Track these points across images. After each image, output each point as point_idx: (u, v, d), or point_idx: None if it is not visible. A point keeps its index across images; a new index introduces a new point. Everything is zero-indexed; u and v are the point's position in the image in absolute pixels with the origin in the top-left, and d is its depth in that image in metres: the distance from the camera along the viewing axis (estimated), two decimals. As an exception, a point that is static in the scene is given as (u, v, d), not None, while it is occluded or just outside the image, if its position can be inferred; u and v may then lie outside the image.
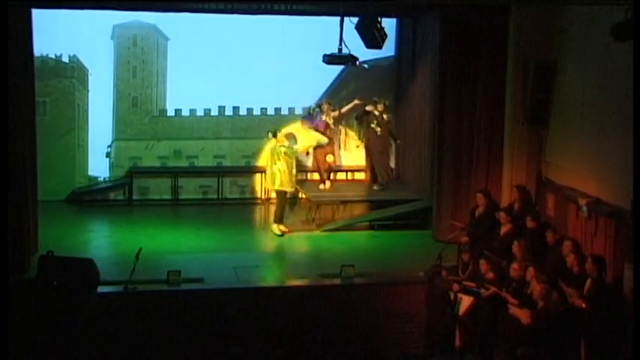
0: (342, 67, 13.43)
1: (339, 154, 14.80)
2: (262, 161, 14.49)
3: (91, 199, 14.57)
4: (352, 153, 15.12)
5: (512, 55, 12.06)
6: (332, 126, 14.14)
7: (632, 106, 8.82)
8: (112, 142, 14.80)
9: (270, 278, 11.31)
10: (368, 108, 14.05)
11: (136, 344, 9.71)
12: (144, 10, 13.41)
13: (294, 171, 12.74)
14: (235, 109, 15.08)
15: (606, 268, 9.18)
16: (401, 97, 14.90)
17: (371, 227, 13.32)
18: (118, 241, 12.46)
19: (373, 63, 14.37)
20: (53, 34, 13.55)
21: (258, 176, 14.78)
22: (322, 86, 14.93)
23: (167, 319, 9.99)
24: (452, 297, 9.77)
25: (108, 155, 14.79)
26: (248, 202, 14.91)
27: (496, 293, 9.35)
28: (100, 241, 12.57)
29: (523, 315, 8.83)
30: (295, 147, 13.05)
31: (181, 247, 12.09)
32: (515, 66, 11.99)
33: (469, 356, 8.82)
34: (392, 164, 14.95)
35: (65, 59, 14.42)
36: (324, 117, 14.08)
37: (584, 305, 8.68)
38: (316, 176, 14.48)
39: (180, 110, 14.98)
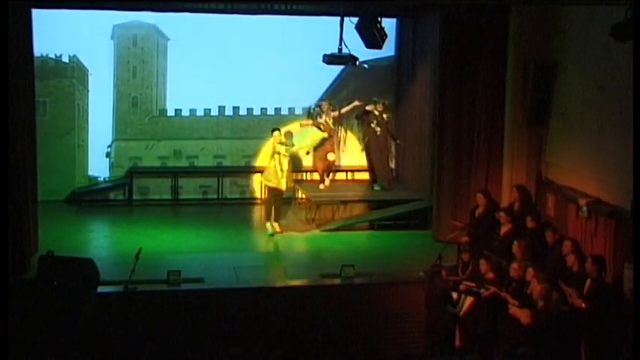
0: (342, 67, 13.42)
1: (339, 154, 14.79)
2: (262, 161, 14.48)
3: (91, 199, 14.57)
4: (352, 153, 15.11)
5: (512, 55, 12.06)
6: (332, 126, 14.13)
7: (632, 106, 8.82)
8: (112, 142, 14.80)
9: (270, 278, 11.32)
10: (368, 108, 14.06)
11: (136, 344, 9.71)
12: (144, 10, 13.40)
13: (285, 169, 12.71)
14: (235, 109, 15.08)
15: (606, 268, 9.19)
16: (401, 97, 14.91)
17: (371, 227, 13.32)
18: (118, 241, 12.46)
19: (373, 63, 14.36)
20: (53, 34, 13.55)
21: (258, 176, 14.78)
22: (322, 86, 14.93)
23: (167, 319, 9.99)
24: (454, 297, 9.77)
25: (108, 155, 14.79)
26: (248, 202, 14.91)
27: (496, 293, 9.35)
28: (100, 241, 12.58)
29: (523, 315, 8.83)
30: (291, 146, 13.00)
31: (181, 247, 12.09)
32: (515, 66, 11.98)
33: (469, 356, 8.83)
34: (392, 164, 14.96)
35: (65, 59, 14.42)
36: (324, 117, 14.08)
37: (584, 305, 8.69)
38: (316, 176, 14.47)
39: (180, 110, 14.98)
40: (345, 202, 13.75)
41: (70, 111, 14.51)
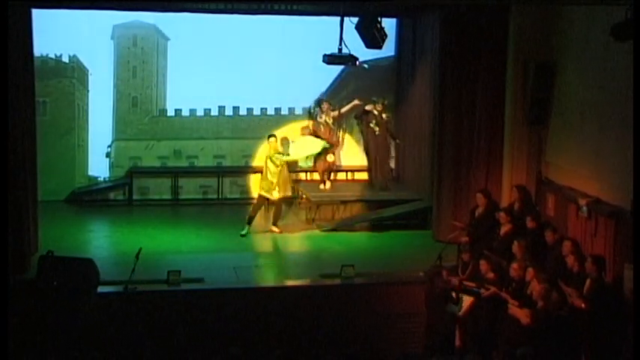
0: (342, 67, 13.42)
1: (339, 154, 14.79)
2: (259, 161, 14.45)
3: (91, 199, 14.57)
4: (352, 153, 15.12)
5: (512, 55, 12.06)
6: (331, 126, 14.13)
7: (632, 106, 8.82)
8: (112, 142, 14.81)
9: (270, 278, 11.32)
10: (367, 107, 14.06)
11: (136, 344, 9.71)
12: (144, 10, 13.42)
13: (276, 180, 12.68)
14: (235, 109, 15.08)
15: (606, 268, 9.19)
16: (401, 97, 14.90)
17: (371, 227, 13.31)
18: (118, 241, 12.46)
19: (373, 63, 14.36)
20: (53, 34, 13.55)
21: (258, 176, 14.75)
22: (322, 86, 14.92)
23: (167, 319, 9.99)
24: (454, 296, 9.77)
25: (108, 155, 14.79)
26: (248, 202, 14.87)
27: (496, 293, 9.35)
28: (100, 241, 12.58)
29: (523, 315, 8.83)
30: (286, 155, 12.87)
31: (181, 247, 12.09)
32: (515, 66, 11.99)
33: (469, 356, 8.84)
34: (392, 164, 14.96)
35: (65, 59, 14.42)
36: (324, 117, 14.08)
37: (583, 305, 8.69)
38: (316, 176, 14.47)
39: (180, 110, 14.98)
40: (345, 202, 13.75)
41: (70, 111, 14.51)
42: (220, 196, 14.98)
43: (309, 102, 14.80)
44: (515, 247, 9.85)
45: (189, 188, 14.97)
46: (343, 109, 14.28)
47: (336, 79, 14.97)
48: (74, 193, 14.52)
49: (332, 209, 13.70)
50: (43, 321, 9.06)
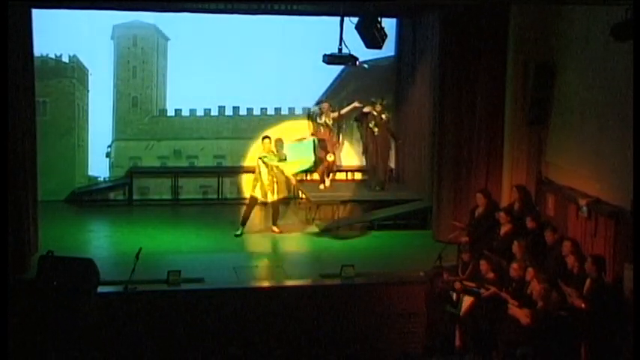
0: (342, 67, 13.42)
1: (339, 154, 14.79)
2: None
3: (91, 199, 14.57)
4: (352, 153, 15.12)
5: (512, 55, 12.06)
6: (331, 127, 14.12)
7: (632, 106, 8.82)
8: (112, 142, 14.81)
9: (270, 278, 11.31)
10: (365, 109, 14.05)
11: (136, 344, 9.72)
12: (144, 10, 13.42)
13: (267, 180, 12.63)
14: (235, 109, 15.08)
15: (606, 268, 9.18)
16: (401, 97, 14.90)
17: (371, 227, 13.31)
18: (118, 241, 12.46)
19: (373, 63, 14.34)
20: (53, 34, 13.55)
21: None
22: (322, 86, 14.93)
23: (167, 319, 9.99)
24: (454, 297, 9.77)
25: (108, 155, 14.79)
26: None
27: (496, 293, 9.35)
28: (100, 241, 12.58)
29: (523, 315, 8.83)
30: (277, 160, 12.76)
31: (181, 247, 12.09)
32: (515, 66, 11.99)
33: (469, 356, 8.84)
34: (392, 164, 14.96)
35: (65, 59, 14.43)
36: (323, 118, 14.07)
37: (583, 305, 8.68)
38: (316, 176, 14.47)
39: (180, 110, 14.98)
40: (345, 202, 13.75)
41: (70, 111, 14.51)
42: (220, 196, 14.98)
43: (309, 102, 14.81)
44: (515, 247, 9.85)
45: (189, 188, 14.97)
46: (343, 111, 14.26)
47: (336, 79, 14.97)
48: (74, 193, 14.52)
49: (332, 209, 13.69)
50: (43, 321, 9.06)
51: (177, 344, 9.88)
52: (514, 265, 9.45)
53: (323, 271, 11.08)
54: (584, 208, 10.17)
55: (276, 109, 15.11)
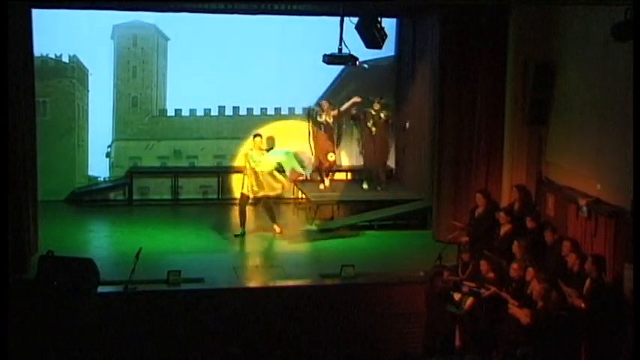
0: (342, 67, 13.41)
1: (339, 154, 14.79)
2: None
3: (91, 199, 14.57)
4: (352, 153, 15.11)
5: (512, 55, 12.06)
6: (332, 125, 14.12)
7: (632, 105, 8.82)
8: (112, 142, 14.80)
9: (269, 278, 11.31)
10: (363, 109, 14.07)
11: (136, 344, 9.72)
12: (144, 10, 13.40)
13: (252, 177, 12.62)
14: (235, 109, 15.08)
15: (606, 268, 9.19)
16: (401, 97, 14.89)
17: (371, 227, 13.31)
18: (118, 241, 12.46)
19: (373, 63, 14.34)
20: (53, 34, 13.55)
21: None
22: (322, 86, 14.92)
23: (167, 319, 9.99)
24: (456, 297, 9.77)
25: (108, 155, 14.79)
26: (248, 203, 14.88)
27: (496, 293, 9.35)
28: (100, 241, 12.58)
29: (523, 315, 8.83)
30: (258, 160, 12.71)
31: (181, 247, 12.09)
32: (515, 66, 11.99)
33: (469, 356, 8.83)
34: (392, 164, 14.96)
35: (65, 59, 14.42)
36: (324, 116, 14.07)
37: (583, 305, 8.69)
38: (316, 176, 14.46)
39: (180, 110, 14.98)
40: (345, 202, 13.75)
41: (70, 111, 14.51)
42: (220, 196, 14.97)
43: (309, 102, 14.80)
44: (515, 247, 9.84)
45: (189, 188, 14.97)
46: (343, 107, 14.24)
47: (336, 79, 14.96)
48: (74, 193, 14.52)
49: (332, 209, 13.70)
50: (43, 321, 9.06)
51: (177, 344, 9.88)
52: (514, 265, 9.45)
53: (323, 271, 11.08)
54: (584, 208, 10.17)
55: (276, 109, 15.11)
